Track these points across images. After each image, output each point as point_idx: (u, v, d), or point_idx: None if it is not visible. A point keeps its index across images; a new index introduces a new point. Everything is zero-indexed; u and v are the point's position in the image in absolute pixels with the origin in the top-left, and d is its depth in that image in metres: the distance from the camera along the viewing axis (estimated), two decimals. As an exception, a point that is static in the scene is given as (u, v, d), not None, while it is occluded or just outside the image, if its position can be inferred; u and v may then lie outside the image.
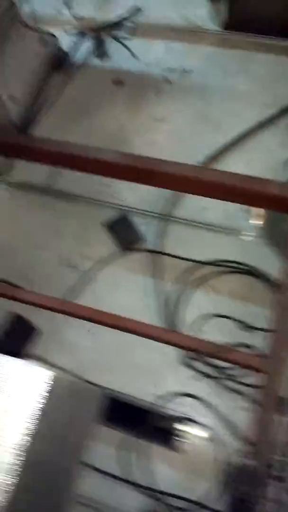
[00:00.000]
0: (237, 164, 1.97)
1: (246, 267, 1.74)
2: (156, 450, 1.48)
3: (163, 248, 1.84)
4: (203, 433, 1.48)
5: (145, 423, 1.48)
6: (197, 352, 1.22)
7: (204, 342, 1.20)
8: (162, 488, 1.43)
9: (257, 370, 1.22)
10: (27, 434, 0.66)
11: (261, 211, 1.81)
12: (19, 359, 0.80)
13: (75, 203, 2.02)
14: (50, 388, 0.71)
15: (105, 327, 1.67)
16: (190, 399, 1.52)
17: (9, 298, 1.56)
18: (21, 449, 0.65)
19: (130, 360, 1.64)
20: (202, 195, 1.59)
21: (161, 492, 1.42)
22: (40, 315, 1.76)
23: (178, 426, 1.51)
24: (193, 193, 1.66)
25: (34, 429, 0.67)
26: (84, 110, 2.23)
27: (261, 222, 1.81)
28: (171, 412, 1.53)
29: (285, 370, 1.14)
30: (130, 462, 1.49)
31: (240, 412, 1.49)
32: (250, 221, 1.83)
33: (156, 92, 2.25)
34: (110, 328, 1.49)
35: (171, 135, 2.11)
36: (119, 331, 1.44)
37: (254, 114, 2.09)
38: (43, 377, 0.72)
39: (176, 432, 1.49)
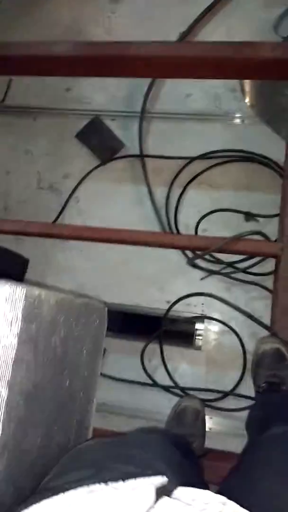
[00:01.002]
0: (217, 36, 1.70)
1: (243, 154, 1.57)
2: (178, 352, 1.46)
3: (147, 150, 1.66)
4: (222, 327, 1.45)
5: (160, 328, 1.44)
6: (202, 250, 1.12)
7: (208, 239, 1.09)
8: (190, 385, 1.43)
9: (269, 255, 1.13)
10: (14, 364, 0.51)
11: (252, 87, 1.59)
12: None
13: (39, 118, 1.79)
14: (32, 309, 0.53)
15: (98, 245, 1.57)
16: (202, 298, 1.46)
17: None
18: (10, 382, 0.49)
19: (132, 272, 1.56)
20: (183, 77, 1.35)
21: (189, 388, 1.42)
22: (24, 244, 1.64)
23: (196, 325, 1.47)
24: (172, 76, 1.43)
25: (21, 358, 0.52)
26: (25, 6, 1.88)
27: (253, 100, 1.60)
28: (186, 314, 1.48)
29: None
30: (154, 368, 1.48)
31: (256, 302, 1.44)
32: (240, 102, 1.61)
33: None
34: (104, 246, 1.38)
35: (133, 16, 1.80)
36: (114, 247, 1.33)
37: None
38: (21, 297, 0.51)
39: (194, 331, 1.46)
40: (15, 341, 0.49)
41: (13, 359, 0.48)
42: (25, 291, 0.50)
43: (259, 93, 1.56)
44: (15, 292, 0.49)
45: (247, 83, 1.56)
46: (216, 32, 1.72)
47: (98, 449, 0.55)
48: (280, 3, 1.65)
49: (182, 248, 1.17)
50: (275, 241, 1.29)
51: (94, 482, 0.39)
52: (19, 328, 0.49)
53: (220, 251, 1.12)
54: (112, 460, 0.49)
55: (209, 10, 1.72)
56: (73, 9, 1.84)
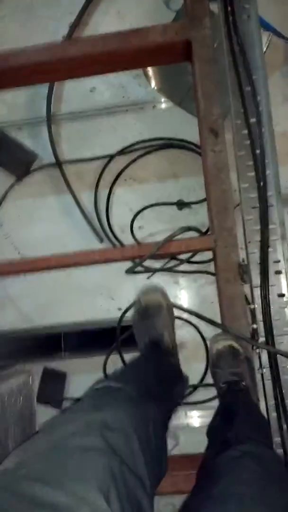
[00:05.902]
0: (108, 21, 1.60)
1: (161, 141, 1.52)
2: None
3: (63, 156, 1.56)
4: (178, 322, 1.42)
5: (116, 338, 1.39)
6: (137, 257, 1.07)
7: (140, 246, 1.05)
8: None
9: (205, 249, 1.10)
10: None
11: (155, 71, 1.52)
12: None
13: None
14: None
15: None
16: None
17: None
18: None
19: (77, 286, 1.49)
20: (76, 77, 1.27)
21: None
22: None
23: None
24: (64, 78, 1.33)
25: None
26: None
27: (159, 84, 1.53)
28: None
29: (234, 237, 1.02)
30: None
31: (206, 288, 1.43)
32: (147, 88, 1.55)
33: None
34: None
35: (18, 14, 1.66)
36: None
37: None
38: None
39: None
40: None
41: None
42: None
43: (163, 75, 1.50)
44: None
45: (149, 68, 1.49)
46: (106, 16, 1.62)
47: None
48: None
49: (117, 261, 1.12)
50: (207, 231, 1.26)
51: None
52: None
53: (154, 257, 1.08)
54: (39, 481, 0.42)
55: (94, -5, 1.61)
56: None
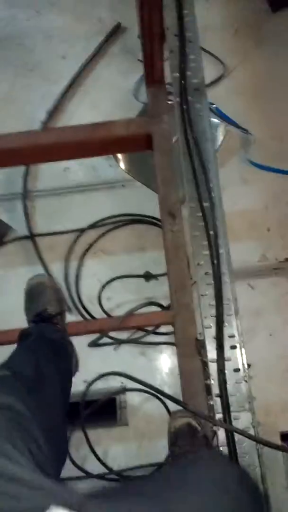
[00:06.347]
0: (82, 109, 1.78)
1: (130, 217, 1.62)
2: (105, 433, 1.39)
3: (37, 229, 1.63)
4: (144, 395, 1.42)
5: (80, 414, 1.36)
6: (99, 331, 1.10)
7: (102, 320, 1.08)
8: (123, 466, 1.36)
9: (165, 324, 1.14)
10: None
11: (123, 154, 1.66)
12: None
13: None
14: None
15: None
16: (119, 368, 1.42)
17: None
18: None
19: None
20: (47, 161, 1.39)
21: (124, 470, 1.35)
22: None
23: (117, 400, 1.42)
24: (34, 163, 1.45)
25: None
26: None
27: (127, 166, 1.67)
28: (104, 391, 1.43)
29: (191, 313, 1.06)
30: (83, 458, 1.38)
31: (173, 359, 1.44)
32: (116, 169, 1.67)
33: None
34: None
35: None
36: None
37: (80, 49, 1.88)
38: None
39: (117, 407, 1.41)
40: None
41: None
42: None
43: (130, 159, 1.64)
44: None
45: (119, 151, 1.63)
46: (81, 105, 1.80)
47: None
48: (134, 70, 1.79)
49: (81, 334, 1.14)
50: (169, 305, 1.31)
51: None
52: None
53: (117, 329, 1.11)
54: None
55: (70, 87, 1.80)
56: None
